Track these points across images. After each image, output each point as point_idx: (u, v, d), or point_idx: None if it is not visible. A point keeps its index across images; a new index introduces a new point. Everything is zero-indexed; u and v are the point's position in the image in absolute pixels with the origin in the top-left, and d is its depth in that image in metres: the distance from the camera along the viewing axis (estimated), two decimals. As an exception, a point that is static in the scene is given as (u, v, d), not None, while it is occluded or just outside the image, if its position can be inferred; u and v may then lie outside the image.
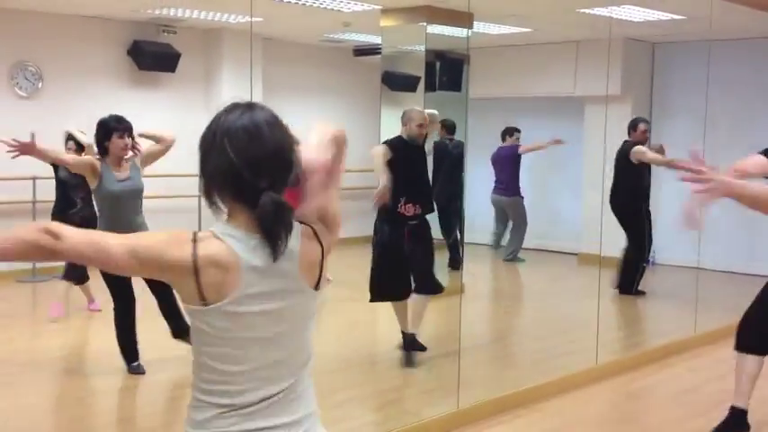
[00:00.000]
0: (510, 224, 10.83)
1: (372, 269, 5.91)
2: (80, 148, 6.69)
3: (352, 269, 6.05)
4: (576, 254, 10.80)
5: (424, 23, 8.15)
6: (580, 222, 10.60)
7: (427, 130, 5.93)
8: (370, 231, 6.09)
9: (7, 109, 8.87)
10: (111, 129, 5.28)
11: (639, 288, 8.36)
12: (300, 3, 8.03)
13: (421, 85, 8.31)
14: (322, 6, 8.21)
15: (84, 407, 5.24)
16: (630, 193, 8.19)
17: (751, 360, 4.52)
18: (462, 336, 5.58)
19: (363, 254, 6.14)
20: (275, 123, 1.87)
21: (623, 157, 8.14)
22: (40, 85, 9.17)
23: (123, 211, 5.29)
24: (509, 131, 10.68)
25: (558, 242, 11.45)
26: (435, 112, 6.07)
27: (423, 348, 5.98)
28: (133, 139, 5.35)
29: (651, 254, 8.62)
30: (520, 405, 5.15)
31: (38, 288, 8.55)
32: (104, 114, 5.42)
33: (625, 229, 8.22)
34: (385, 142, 5.88)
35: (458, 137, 9.08)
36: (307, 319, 1.93)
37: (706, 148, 7.52)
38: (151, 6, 8.82)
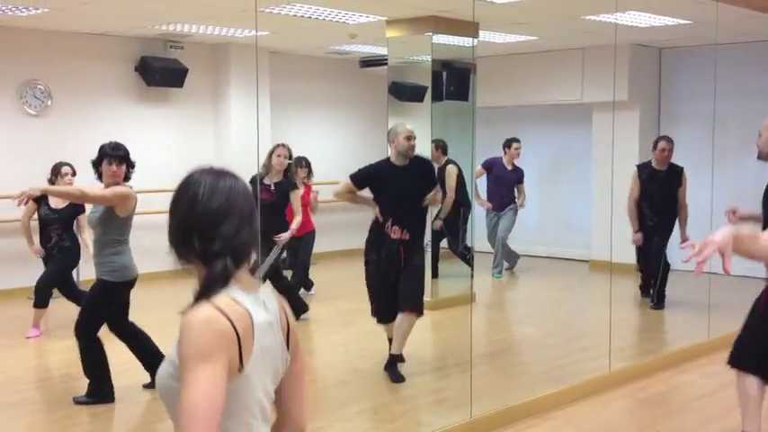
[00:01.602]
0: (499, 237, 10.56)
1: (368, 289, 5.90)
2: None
3: (357, 280, 6.04)
4: (587, 261, 10.77)
5: (430, 34, 8.18)
6: (591, 229, 10.58)
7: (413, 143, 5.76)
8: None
9: (17, 127, 8.91)
10: (103, 154, 5.28)
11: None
12: (306, 16, 8.05)
13: (428, 96, 8.32)
14: (328, 19, 8.24)
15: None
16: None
17: (751, 381, 4.21)
18: (474, 345, 5.56)
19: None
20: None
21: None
22: (49, 102, 9.22)
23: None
24: (508, 143, 10.27)
25: (569, 249, 11.42)
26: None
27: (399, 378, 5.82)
28: (129, 166, 5.25)
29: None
30: (533, 414, 5.14)
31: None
32: (114, 131, 5.43)
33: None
34: (372, 166, 5.82)
35: (465, 146, 8.98)
36: None
37: (715, 152, 7.51)
38: (158, 22, 8.87)
